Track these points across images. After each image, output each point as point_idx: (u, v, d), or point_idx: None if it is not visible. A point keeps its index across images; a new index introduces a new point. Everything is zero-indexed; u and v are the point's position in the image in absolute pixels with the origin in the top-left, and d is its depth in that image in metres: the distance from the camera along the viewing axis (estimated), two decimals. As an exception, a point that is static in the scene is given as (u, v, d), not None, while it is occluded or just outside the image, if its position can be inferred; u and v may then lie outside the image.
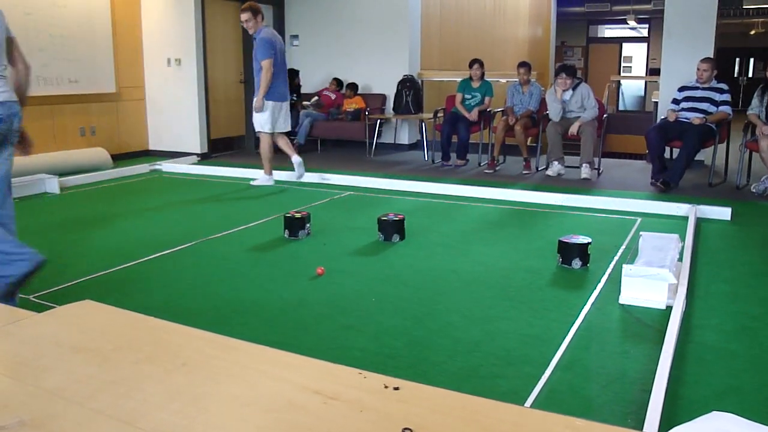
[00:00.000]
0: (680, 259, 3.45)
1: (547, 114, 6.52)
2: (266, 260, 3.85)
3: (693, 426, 0.98)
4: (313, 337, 2.74)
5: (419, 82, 8.19)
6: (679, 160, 5.71)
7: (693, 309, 3.02)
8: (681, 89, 6.08)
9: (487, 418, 0.99)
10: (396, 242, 4.13)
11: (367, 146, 7.99)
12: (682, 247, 3.60)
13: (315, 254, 3.91)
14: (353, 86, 8.35)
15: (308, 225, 4.29)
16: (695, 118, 5.77)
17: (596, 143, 6.43)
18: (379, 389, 1.07)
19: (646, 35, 18.51)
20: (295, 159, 6.11)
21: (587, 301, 3.12)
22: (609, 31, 19.68)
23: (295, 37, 8.93)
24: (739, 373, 2.41)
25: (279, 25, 8.87)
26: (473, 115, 6.98)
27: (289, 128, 6.24)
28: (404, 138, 8.46)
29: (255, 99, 5.91)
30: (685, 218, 4.67)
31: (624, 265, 3.09)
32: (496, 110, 7.23)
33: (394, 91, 8.08)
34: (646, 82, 15.53)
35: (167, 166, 7.12)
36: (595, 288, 3.29)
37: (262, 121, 5.99)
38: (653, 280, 3.00)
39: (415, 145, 8.51)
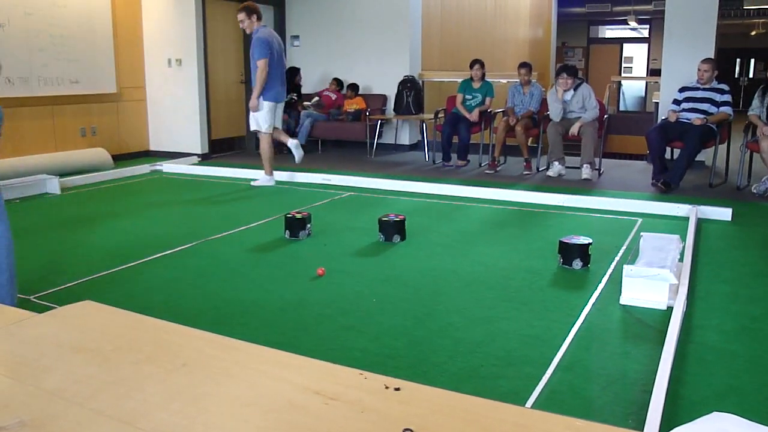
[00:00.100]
0: (681, 260, 3.45)
1: (548, 114, 6.52)
2: (267, 261, 3.85)
3: (694, 427, 0.98)
4: (313, 338, 2.74)
5: (420, 82, 8.19)
6: (679, 161, 5.70)
7: (694, 309, 3.02)
8: (682, 90, 6.08)
9: (488, 418, 0.99)
10: (397, 243, 4.13)
11: (368, 147, 7.99)
12: (683, 248, 3.60)
13: (316, 255, 3.91)
14: (354, 87, 8.35)
15: (309, 225, 4.29)
16: (696, 118, 5.76)
17: (597, 144, 6.43)
18: (380, 390, 1.07)
19: (647, 36, 18.51)
20: (291, 142, 6.21)
21: (588, 301, 3.12)
22: (610, 32, 19.68)
23: (296, 37, 8.93)
24: (739, 373, 2.41)
25: (280, 25, 8.87)
26: (474, 116, 6.98)
27: (280, 125, 6.28)
28: (405, 138, 8.46)
29: (251, 98, 5.95)
30: (686, 219, 4.67)
31: (625, 266, 3.09)
32: (496, 111, 7.23)
33: (395, 91, 8.08)
34: (646, 83, 15.51)
35: (168, 166, 7.12)
36: (595, 288, 3.29)
37: (260, 122, 6.01)
38: (654, 281, 3.00)
39: (416, 146, 8.51)
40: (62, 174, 6.37)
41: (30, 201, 5.58)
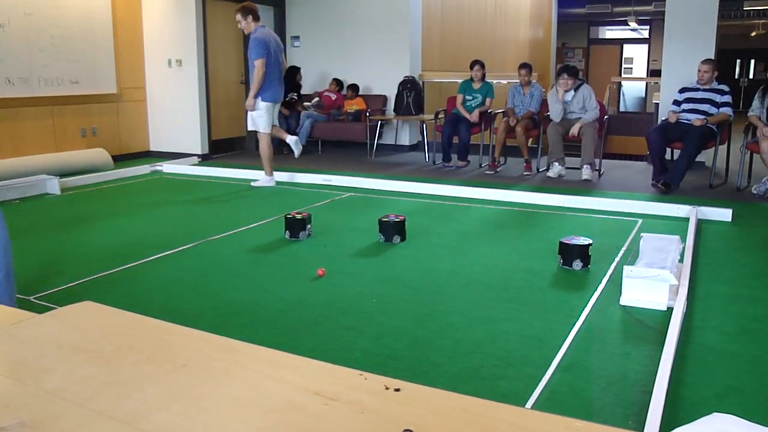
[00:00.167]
0: (681, 261, 3.45)
1: (548, 115, 6.52)
2: (267, 261, 3.85)
3: (694, 427, 0.98)
4: (313, 338, 2.74)
5: (420, 83, 8.19)
6: (679, 162, 5.70)
7: (694, 310, 3.02)
8: (682, 90, 6.08)
9: (488, 419, 0.99)
10: (397, 243, 4.13)
11: (368, 147, 7.99)
12: (683, 249, 3.60)
13: (316, 255, 3.91)
14: (354, 87, 8.35)
15: (309, 226, 4.29)
16: (696, 119, 5.76)
17: (597, 144, 6.43)
18: (380, 390, 1.07)
19: (647, 36, 18.52)
20: (290, 138, 6.29)
21: (588, 302, 3.12)
22: (610, 33, 19.69)
23: (296, 38, 8.93)
24: (739, 374, 2.41)
25: (280, 26, 8.88)
26: (474, 117, 6.98)
27: (276, 123, 6.32)
28: (405, 139, 8.46)
29: (247, 98, 5.97)
30: (686, 219, 4.67)
31: (625, 267, 3.09)
32: (497, 111, 7.23)
33: (395, 92, 8.09)
34: (647, 84, 15.51)
35: (168, 167, 7.12)
36: (595, 289, 3.29)
37: (258, 122, 6.03)
38: (654, 282, 3.00)
39: (416, 146, 8.51)
40: (62, 174, 6.38)
41: (30, 201, 5.58)
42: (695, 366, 2.47)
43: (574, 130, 6.26)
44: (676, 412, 2.11)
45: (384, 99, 8.37)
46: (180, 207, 5.40)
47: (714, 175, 5.97)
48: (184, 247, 4.09)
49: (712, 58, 6.29)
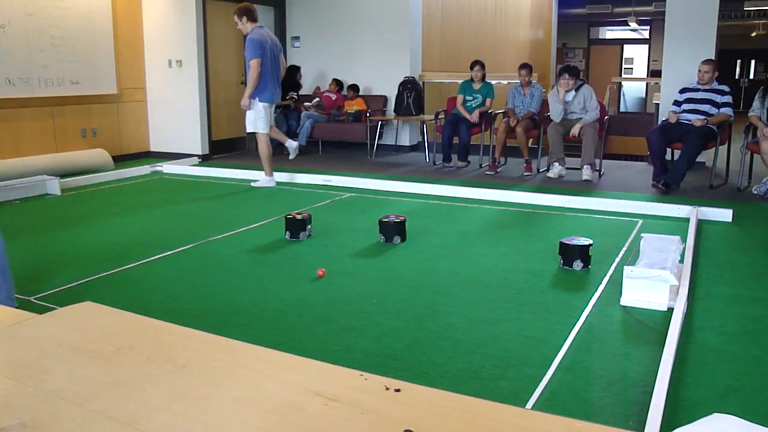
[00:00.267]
0: (681, 261, 3.45)
1: (548, 115, 6.52)
2: (267, 262, 3.85)
3: (694, 428, 0.98)
4: (313, 339, 2.74)
5: (420, 83, 8.19)
6: (680, 162, 5.70)
7: (694, 311, 3.02)
8: (682, 91, 6.08)
9: (488, 420, 0.99)
10: (397, 244, 4.13)
11: (368, 148, 7.99)
12: (684, 249, 3.60)
13: (316, 256, 3.91)
14: (355, 88, 8.35)
15: (309, 226, 4.29)
16: (696, 119, 5.76)
17: (597, 145, 6.43)
18: (380, 391, 1.07)
19: (647, 37, 18.52)
20: (290, 144, 6.40)
21: (588, 302, 3.12)
22: (610, 33, 19.70)
23: (297, 38, 8.94)
24: (740, 374, 2.41)
25: (280, 26, 8.88)
26: (474, 117, 6.98)
27: (273, 124, 6.36)
28: (405, 139, 8.46)
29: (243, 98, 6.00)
30: (687, 220, 4.67)
31: (625, 267, 3.09)
32: (497, 112, 7.23)
33: (395, 92, 8.09)
34: (647, 84, 15.52)
35: (168, 167, 7.12)
36: (596, 290, 3.29)
37: (257, 122, 6.05)
38: (654, 282, 3.00)
39: (416, 147, 8.51)
40: (63, 175, 6.38)
41: (30, 202, 5.58)
42: (696, 366, 2.46)
43: (575, 130, 6.25)
44: (676, 413, 2.11)
45: (384, 99, 8.37)
46: (180, 207, 5.40)
47: (714, 175, 5.97)
48: (185, 247, 4.09)
49: (713, 58, 6.28)
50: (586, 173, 6.23)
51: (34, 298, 3.19)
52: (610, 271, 3.57)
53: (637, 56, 19.14)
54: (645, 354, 2.56)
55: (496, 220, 4.91)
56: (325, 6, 8.65)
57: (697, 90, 5.96)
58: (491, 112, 7.16)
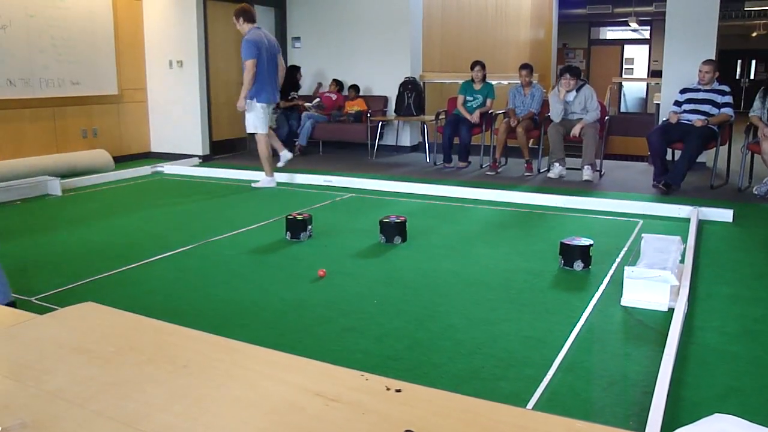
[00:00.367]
0: (682, 261, 3.45)
1: (549, 116, 6.52)
2: (268, 262, 3.85)
3: (695, 428, 0.98)
4: (314, 339, 2.74)
5: (421, 84, 8.19)
6: (680, 162, 5.70)
7: (695, 311, 3.02)
8: (683, 91, 6.08)
9: (489, 420, 0.99)
10: (398, 244, 4.13)
11: (369, 148, 7.99)
12: (684, 249, 3.60)
13: (317, 256, 3.91)
14: (355, 88, 8.36)
15: (310, 227, 4.29)
16: (697, 120, 5.76)
17: (598, 145, 6.43)
18: (381, 391, 1.07)
19: (648, 37, 18.52)
20: (284, 154, 6.41)
21: (589, 303, 3.12)
22: (611, 33, 19.70)
23: (297, 39, 8.94)
24: (741, 375, 2.41)
25: (281, 27, 8.88)
26: (475, 117, 6.99)
27: (273, 125, 6.39)
28: (406, 140, 8.46)
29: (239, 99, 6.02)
30: (687, 220, 4.66)
31: (626, 267, 3.09)
32: (497, 112, 7.23)
33: (396, 93, 8.09)
34: (647, 84, 15.52)
35: (169, 168, 7.12)
36: (596, 290, 3.29)
37: (256, 123, 6.06)
38: (655, 282, 3.00)
39: (417, 147, 8.51)
40: (63, 175, 6.38)
41: (31, 202, 5.58)
42: (696, 367, 2.46)
43: (575, 130, 6.25)
44: (677, 413, 2.11)
45: (385, 100, 8.37)
46: (181, 208, 5.41)
47: (715, 175, 5.97)
48: (185, 248, 4.10)
49: (713, 58, 6.28)
50: (587, 173, 6.23)
51: (35, 299, 3.19)
52: (611, 272, 3.57)
53: (638, 56, 19.14)
54: (645, 354, 2.56)
55: (497, 220, 4.90)
56: (325, 6, 8.65)
57: (698, 90, 5.96)
58: (492, 113, 7.16)
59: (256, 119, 6.04)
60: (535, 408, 2.16)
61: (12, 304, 2.71)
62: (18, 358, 1.22)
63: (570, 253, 3.62)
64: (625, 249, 4.02)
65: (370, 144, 7.97)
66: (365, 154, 8.04)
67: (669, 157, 6.31)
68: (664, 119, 6.22)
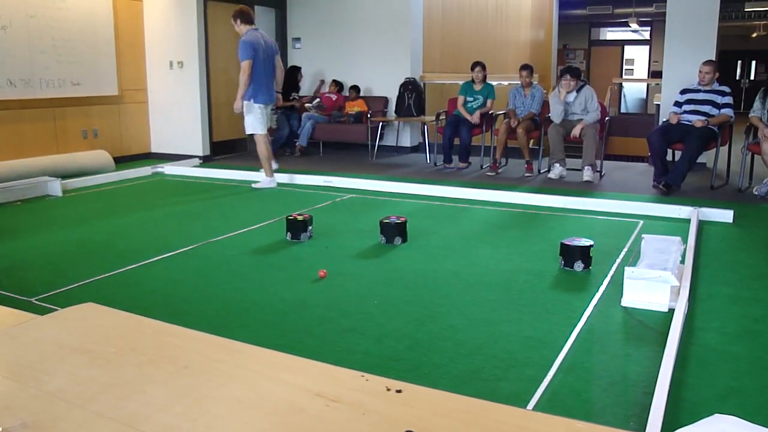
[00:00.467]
0: (682, 262, 3.45)
1: (549, 116, 6.52)
2: (268, 263, 3.85)
3: (695, 429, 0.98)
4: (314, 340, 2.74)
5: (421, 84, 8.20)
6: (681, 163, 5.70)
7: (695, 311, 3.02)
8: (683, 92, 6.08)
9: (489, 420, 0.99)
10: (398, 245, 4.13)
11: (369, 149, 7.99)
12: (684, 250, 3.60)
13: (317, 257, 3.91)
14: (356, 89, 8.36)
15: (310, 227, 4.29)
16: (697, 120, 5.76)
17: (598, 146, 6.43)
18: (382, 392, 1.07)
19: (648, 38, 18.52)
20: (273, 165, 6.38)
21: (589, 303, 3.12)
22: (611, 34, 19.70)
23: (297, 39, 8.94)
24: (741, 375, 2.40)
25: (281, 28, 8.89)
26: (475, 118, 6.99)
27: (273, 125, 6.39)
28: (406, 141, 8.46)
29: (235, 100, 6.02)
30: (687, 221, 4.66)
31: (626, 268, 3.09)
32: (498, 113, 7.23)
33: (396, 93, 8.09)
34: (648, 85, 15.52)
35: (169, 168, 7.12)
36: (597, 290, 3.29)
37: (255, 124, 6.07)
38: (655, 283, 3.00)
39: (417, 148, 8.51)
40: (64, 176, 6.38)
41: (32, 203, 5.59)
42: (696, 367, 2.46)
43: (576, 131, 6.25)
44: (677, 414, 2.11)
45: (385, 100, 8.37)
46: (181, 208, 5.41)
47: (715, 176, 5.97)
48: (186, 248, 4.10)
49: (713, 59, 6.28)
50: (587, 174, 6.23)
51: (36, 299, 3.20)
52: (611, 272, 3.57)
53: (638, 57, 19.14)
54: (646, 355, 2.56)
55: (497, 221, 4.90)
56: (325, 7, 8.66)
57: (698, 91, 5.96)
58: (492, 113, 7.16)
59: (255, 120, 6.05)
60: (535, 408, 2.16)
61: None
62: (18, 358, 1.22)
63: (570, 254, 3.62)
64: (626, 249, 4.02)
65: (371, 144, 7.97)
66: (365, 155, 8.04)
67: (669, 157, 6.31)
68: (665, 120, 6.22)
